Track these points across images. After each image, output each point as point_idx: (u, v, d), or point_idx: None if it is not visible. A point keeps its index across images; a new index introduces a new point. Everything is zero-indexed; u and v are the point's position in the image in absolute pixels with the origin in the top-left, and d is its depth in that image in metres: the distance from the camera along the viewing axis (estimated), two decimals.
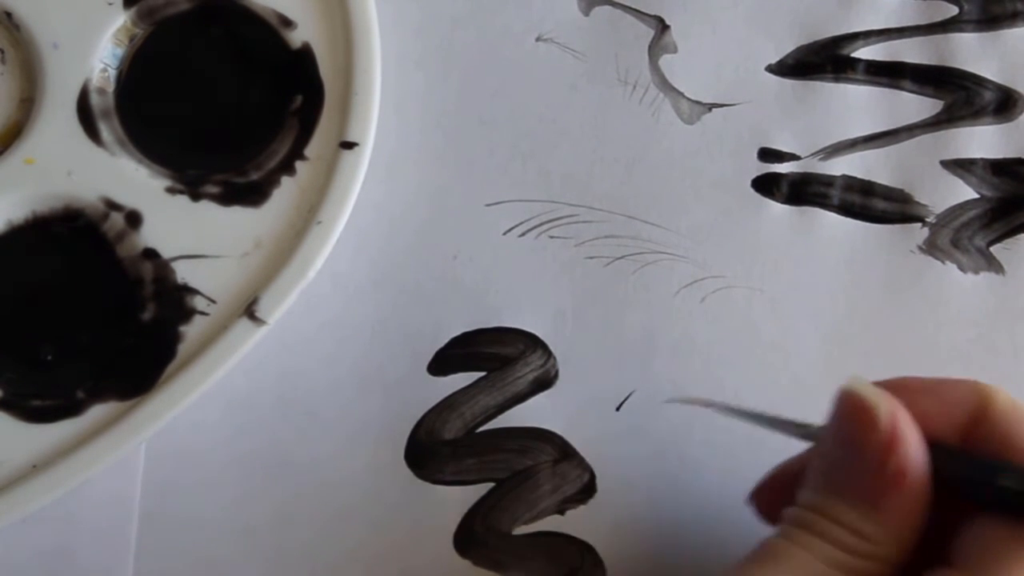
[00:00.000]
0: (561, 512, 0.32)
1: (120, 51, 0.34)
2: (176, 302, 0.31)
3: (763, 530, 0.32)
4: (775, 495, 0.28)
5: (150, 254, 0.32)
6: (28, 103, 0.33)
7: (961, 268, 0.35)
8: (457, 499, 0.32)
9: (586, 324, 0.34)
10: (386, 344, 0.34)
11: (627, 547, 0.32)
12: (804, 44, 0.36)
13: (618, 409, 0.33)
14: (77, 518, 0.32)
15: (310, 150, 0.33)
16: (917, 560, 0.25)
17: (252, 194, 0.32)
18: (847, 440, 0.25)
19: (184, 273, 0.31)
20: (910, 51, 0.36)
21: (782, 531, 0.25)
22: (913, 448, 0.24)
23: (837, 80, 0.36)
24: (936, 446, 0.25)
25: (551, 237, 0.35)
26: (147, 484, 0.32)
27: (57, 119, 0.32)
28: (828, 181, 0.35)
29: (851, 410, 0.25)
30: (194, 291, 0.31)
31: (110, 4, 0.33)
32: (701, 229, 0.35)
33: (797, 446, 0.28)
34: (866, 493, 0.24)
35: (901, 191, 0.35)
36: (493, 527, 0.32)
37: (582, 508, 0.32)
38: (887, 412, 0.24)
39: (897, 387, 0.26)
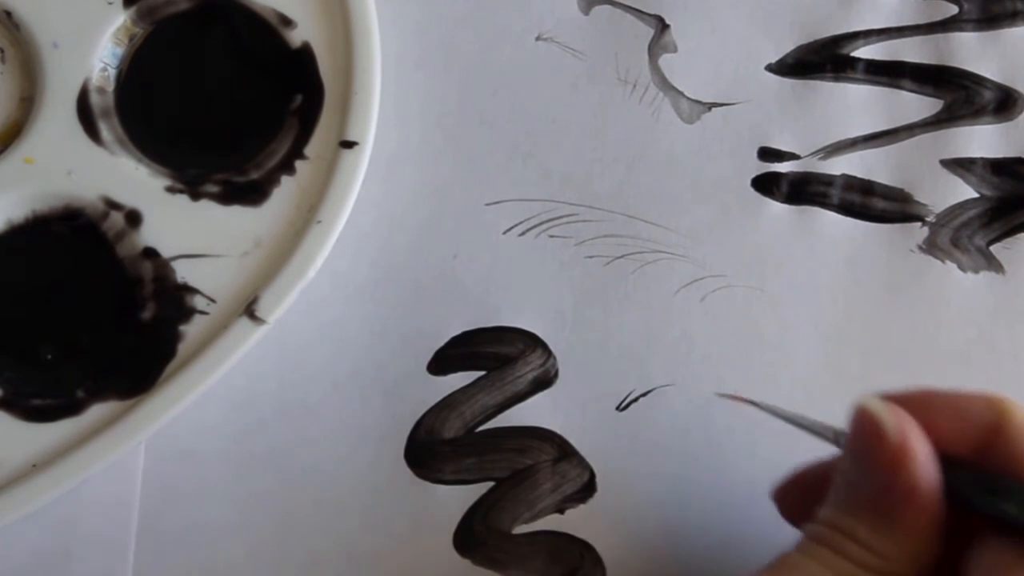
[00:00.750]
0: (561, 511, 0.32)
1: (120, 50, 0.34)
2: (176, 301, 0.31)
3: (766, 526, 0.32)
4: (797, 496, 0.28)
5: (150, 253, 0.32)
6: (28, 102, 0.33)
7: (961, 267, 0.35)
8: (457, 498, 0.32)
9: (586, 323, 0.34)
10: (386, 343, 0.34)
11: (627, 546, 0.32)
12: (804, 43, 0.36)
13: (618, 408, 0.33)
14: (77, 517, 0.32)
15: (310, 149, 0.33)
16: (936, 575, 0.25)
17: (252, 193, 0.32)
18: (859, 456, 0.25)
19: (184, 272, 0.31)
20: (910, 50, 0.36)
21: (800, 546, 0.25)
22: (923, 463, 0.24)
23: (837, 79, 0.36)
24: (949, 461, 0.25)
25: (551, 236, 0.35)
26: (147, 483, 0.32)
27: (57, 118, 0.32)
28: (828, 180, 0.35)
29: (861, 426, 0.25)
30: (194, 290, 0.31)
31: (110, 3, 0.33)
32: (701, 228, 0.35)
33: (806, 448, 0.28)
34: (878, 509, 0.24)
35: (901, 190, 0.35)
36: (493, 526, 0.32)
37: (582, 507, 0.32)
38: (895, 426, 0.24)
39: (912, 400, 0.26)
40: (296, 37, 0.34)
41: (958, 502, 0.24)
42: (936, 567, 0.25)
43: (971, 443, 0.25)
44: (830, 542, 0.25)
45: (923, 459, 0.24)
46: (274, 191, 0.32)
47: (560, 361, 0.34)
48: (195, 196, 0.32)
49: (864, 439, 0.25)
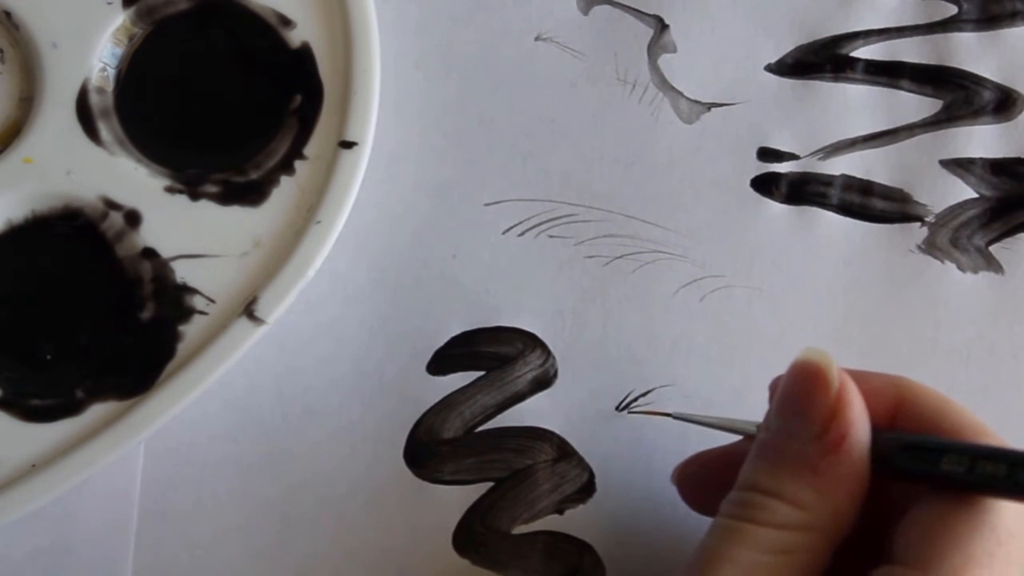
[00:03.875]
0: (560, 511, 0.32)
1: (119, 50, 0.34)
2: (175, 301, 0.31)
3: None
4: (700, 480, 0.29)
5: (149, 253, 0.32)
6: (27, 102, 0.33)
7: (960, 267, 0.35)
8: (456, 498, 0.32)
9: (585, 323, 0.34)
10: (385, 343, 0.34)
11: (626, 546, 0.32)
12: (803, 44, 0.36)
13: (617, 408, 0.33)
14: (77, 517, 0.32)
15: (309, 149, 0.33)
16: (859, 562, 0.25)
17: (251, 193, 0.32)
18: (794, 406, 0.25)
19: (183, 272, 0.31)
20: (909, 51, 0.36)
21: (717, 532, 0.25)
22: (857, 413, 0.25)
23: (836, 80, 0.36)
24: (877, 430, 0.25)
25: (550, 236, 0.35)
26: (146, 483, 0.32)
27: (56, 118, 0.32)
28: (827, 180, 0.35)
29: (803, 376, 0.25)
30: (193, 290, 0.31)
31: (109, 3, 0.33)
32: (700, 228, 0.35)
33: None
34: (806, 458, 0.25)
35: (900, 190, 0.35)
36: (492, 526, 0.32)
37: (581, 507, 0.32)
38: (838, 376, 0.25)
39: None
40: (295, 37, 0.34)
41: (883, 471, 0.25)
42: (855, 545, 0.25)
43: (880, 419, 0.26)
44: (748, 512, 0.25)
45: (858, 410, 0.25)
46: (273, 191, 0.32)
47: (559, 361, 0.34)
48: (194, 196, 0.32)
49: (804, 388, 0.25)
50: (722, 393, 0.33)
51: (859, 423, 0.25)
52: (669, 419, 0.33)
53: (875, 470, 0.25)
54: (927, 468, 0.24)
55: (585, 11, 0.36)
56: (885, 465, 0.25)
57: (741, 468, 0.26)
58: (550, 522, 0.32)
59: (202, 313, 0.31)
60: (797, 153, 0.35)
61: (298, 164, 0.33)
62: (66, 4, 0.33)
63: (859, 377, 0.26)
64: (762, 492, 0.25)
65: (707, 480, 0.28)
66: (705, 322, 0.34)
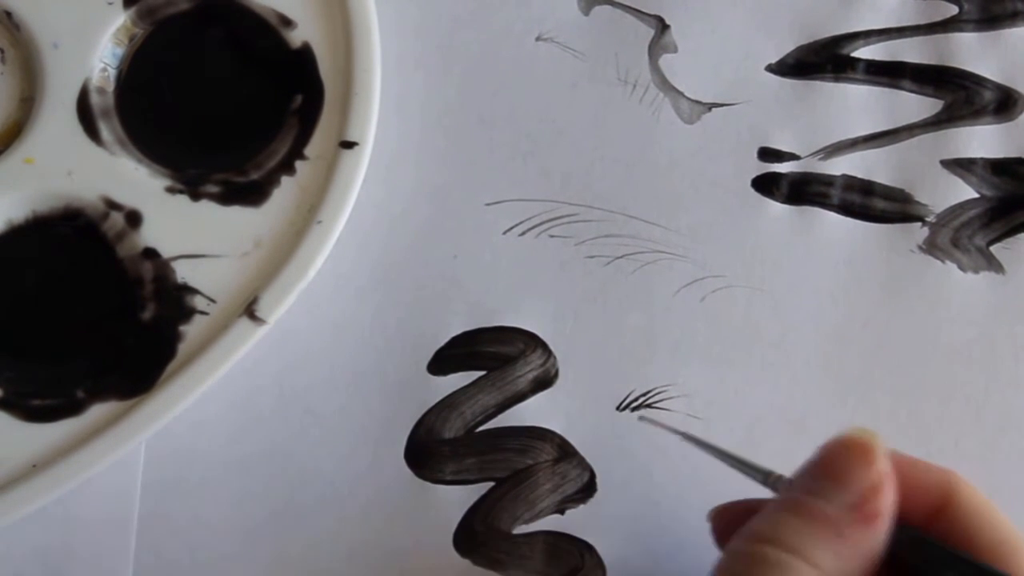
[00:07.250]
0: (561, 511, 0.32)
1: (120, 51, 0.34)
2: (176, 301, 0.31)
3: None
4: (733, 523, 0.29)
5: (150, 253, 0.32)
6: (28, 102, 0.33)
7: (961, 267, 0.35)
8: (457, 498, 0.32)
9: (586, 323, 0.34)
10: (386, 343, 0.34)
11: (627, 546, 0.32)
12: (804, 44, 0.36)
13: (618, 408, 0.33)
14: (77, 517, 0.32)
15: (310, 149, 0.33)
16: None
17: (252, 193, 0.32)
18: (835, 472, 0.26)
19: (184, 272, 0.31)
20: (910, 51, 0.36)
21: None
22: (891, 500, 0.25)
23: (837, 80, 0.36)
24: (899, 522, 0.26)
25: (551, 236, 0.35)
26: (147, 484, 0.32)
27: (57, 118, 0.32)
28: (828, 181, 0.35)
29: (851, 446, 0.26)
30: (194, 290, 0.31)
31: (110, 4, 0.33)
32: (701, 228, 0.35)
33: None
34: (836, 523, 0.25)
35: (901, 191, 0.35)
36: (493, 526, 0.32)
37: (582, 507, 0.32)
38: (885, 458, 0.25)
39: None
40: (296, 37, 0.34)
41: (896, 563, 0.25)
42: None
43: (922, 511, 0.26)
44: (763, 571, 0.25)
45: (891, 497, 0.25)
46: (274, 191, 0.32)
47: (560, 361, 0.34)
48: (195, 196, 0.32)
49: (850, 458, 0.26)
50: (723, 393, 0.33)
51: (891, 506, 0.25)
52: (670, 419, 0.33)
53: (884, 557, 0.25)
54: (930, 571, 0.25)
55: (586, 11, 0.36)
56: (894, 555, 0.25)
57: (752, 521, 0.26)
58: (551, 522, 0.32)
59: (203, 313, 0.31)
60: (798, 153, 0.35)
61: (299, 164, 0.33)
62: (67, 4, 0.33)
63: (910, 465, 0.26)
64: (782, 548, 0.25)
65: (741, 524, 0.28)
66: (706, 322, 0.34)
